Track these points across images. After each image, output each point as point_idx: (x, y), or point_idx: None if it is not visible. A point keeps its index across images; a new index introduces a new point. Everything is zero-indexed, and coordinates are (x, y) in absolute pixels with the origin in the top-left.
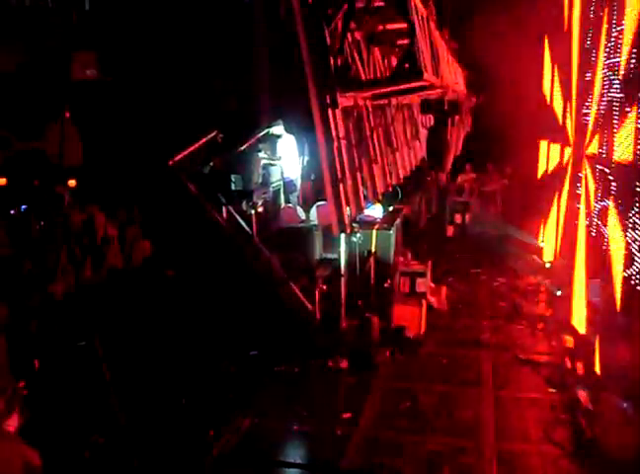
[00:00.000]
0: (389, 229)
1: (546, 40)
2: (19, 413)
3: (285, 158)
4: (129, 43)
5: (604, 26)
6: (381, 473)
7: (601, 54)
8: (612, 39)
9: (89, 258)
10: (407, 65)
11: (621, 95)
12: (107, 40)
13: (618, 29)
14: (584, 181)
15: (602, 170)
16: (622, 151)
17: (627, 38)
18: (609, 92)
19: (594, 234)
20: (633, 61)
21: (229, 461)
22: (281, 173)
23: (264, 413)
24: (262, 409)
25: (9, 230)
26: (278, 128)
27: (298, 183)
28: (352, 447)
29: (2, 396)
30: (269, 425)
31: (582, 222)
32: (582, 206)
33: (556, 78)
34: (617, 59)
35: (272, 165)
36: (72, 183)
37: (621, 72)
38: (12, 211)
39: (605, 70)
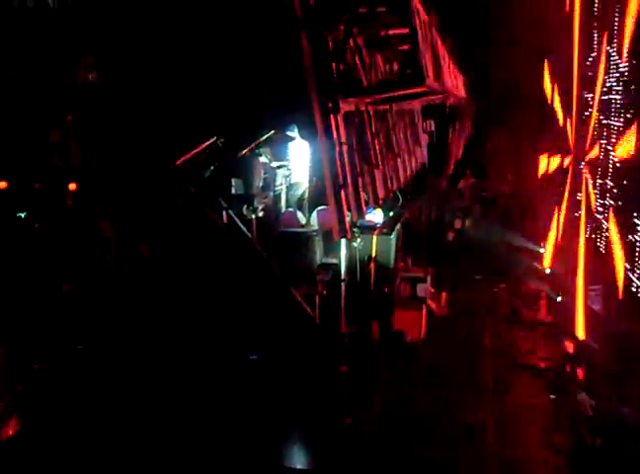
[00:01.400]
0: (390, 234)
1: (547, 58)
2: (17, 417)
3: (294, 161)
4: (131, 46)
5: (606, 31)
6: None
7: (602, 59)
8: (614, 44)
9: (88, 261)
10: (409, 71)
11: (622, 100)
12: (108, 43)
13: (619, 33)
14: (584, 186)
15: (603, 175)
16: (623, 155)
17: (627, 39)
18: (610, 96)
19: (594, 240)
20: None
21: (230, 466)
22: (286, 177)
23: (264, 418)
24: (261, 414)
25: (11, 234)
26: (291, 132)
27: (304, 186)
28: (353, 452)
29: (1, 401)
30: (269, 430)
31: (582, 228)
32: (582, 212)
33: (555, 86)
34: (618, 62)
35: (276, 169)
36: (72, 186)
37: (622, 77)
38: (17, 214)
39: (606, 76)
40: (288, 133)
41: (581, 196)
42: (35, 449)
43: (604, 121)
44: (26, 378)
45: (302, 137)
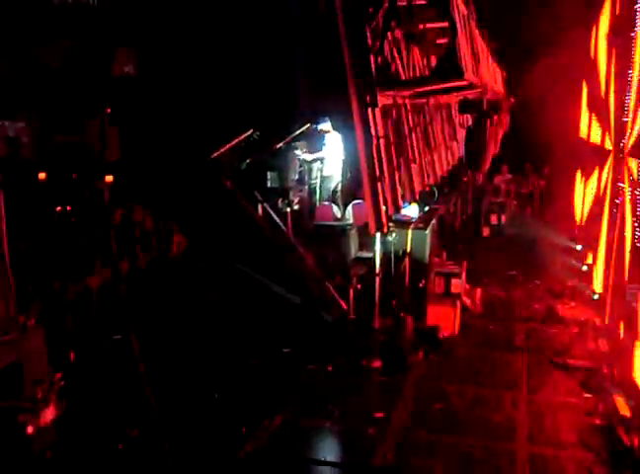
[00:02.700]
0: (425, 229)
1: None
2: (56, 403)
3: (329, 154)
4: (169, 40)
5: None
6: (412, 473)
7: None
8: None
9: (125, 252)
10: (447, 64)
11: None
12: (146, 36)
13: None
14: (627, 181)
15: None
16: None
17: None
18: None
19: (634, 236)
20: None
21: (261, 458)
22: (321, 170)
23: (296, 411)
24: (294, 407)
25: (49, 225)
26: (325, 125)
27: (338, 179)
28: (383, 447)
29: (40, 387)
30: (301, 423)
31: (628, 225)
32: (627, 208)
33: (601, 73)
34: None
35: (311, 162)
36: (109, 178)
37: None
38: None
39: None
40: (321, 127)
41: (623, 187)
42: (71, 436)
43: None
44: (64, 366)
45: (336, 130)
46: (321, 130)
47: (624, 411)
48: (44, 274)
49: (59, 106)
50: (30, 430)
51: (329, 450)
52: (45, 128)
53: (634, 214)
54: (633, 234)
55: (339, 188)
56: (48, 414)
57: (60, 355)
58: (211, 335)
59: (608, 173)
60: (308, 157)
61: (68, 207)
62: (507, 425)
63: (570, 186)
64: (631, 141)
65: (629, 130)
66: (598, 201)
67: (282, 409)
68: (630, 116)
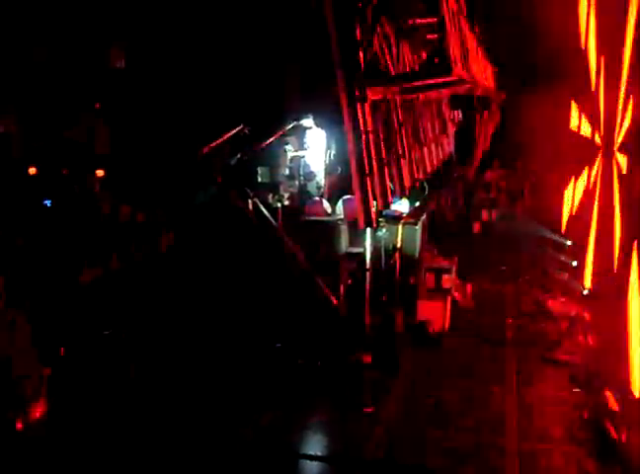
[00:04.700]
0: (415, 224)
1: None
2: (45, 398)
3: (312, 150)
4: (160, 35)
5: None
6: (403, 467)
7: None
8: None
9: (116, 246)
10: (437, 60)
11: None
12: (137, 32)
13: None
14: (616, 176)
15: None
16: None
17: None
18: None
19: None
20: None
21: (251, 453)
22: (306, 164)
23: (286, 405)
24: (284, 401)
25: (40, 220)
26: (307, 121)
27: (321, 175)
28: (374, 441)
29: (29, 382)
30: (291, 417)
31: (616, 220)
32: (615, 201)
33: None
34: None
35: (300, 157)
36: (100, 172)
37: None
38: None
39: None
40: (303, 123)
41: (612, 185)
42: (60, 432)
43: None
44: (53, 362)
45: (319, 126)
46: (303, 127)
47: (613, 405)
48: (35, 268)
49: (49, 101)
50: (19, 425)
51: (319, 445)
52: (35, 124)
53: (622, 209)
54: (622, 228)
55: (322, 183)
56: (38, 410)
57: (50, 350)
58: (202, 330)
59: (598, 168)
60: (299, 153)
61: (58, 202)
62: (496, 419)
63: (560, 181)
64: (620, 137)
65: (618, 126)
66: (587, 196)
67: (273, 403)
68: (619, 112)
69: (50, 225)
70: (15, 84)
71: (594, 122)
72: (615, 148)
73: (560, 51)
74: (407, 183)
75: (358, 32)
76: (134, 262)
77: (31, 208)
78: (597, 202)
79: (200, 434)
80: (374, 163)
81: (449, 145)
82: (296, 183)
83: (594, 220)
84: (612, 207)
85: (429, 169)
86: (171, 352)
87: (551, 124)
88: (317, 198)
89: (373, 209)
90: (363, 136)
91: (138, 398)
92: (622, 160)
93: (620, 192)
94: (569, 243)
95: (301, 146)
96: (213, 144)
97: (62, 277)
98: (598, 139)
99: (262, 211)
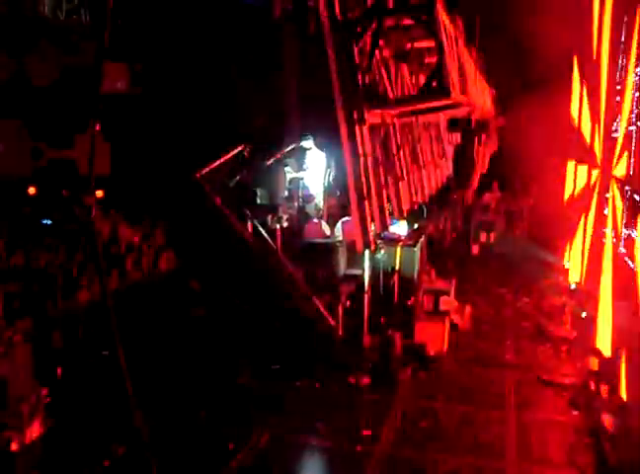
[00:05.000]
0: (414, 247)
1: (575, 63)
2: (42, 419)
3: (311, 171)
4: (160, 57)
5: (634, 47)
6: None
7: (631, 76)
8: None
9: (114, 268)
10: (435, 83)
11: None
12: (138, 53)
13: None
14: (611, 202)
15: (631, 190)
16: None
17: None
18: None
19: (621, 255)
20: None
21: None
22: (305, 185)
23: (284, 428)
24: (282, 424)
25: (38, 240)
26: (307, 142)
27: (320, 196)
28: (371, 465)
29: (26, 403)
30: (288, 440)
31: (608, 243)
32: (609, 228)
33: (585, 99)
34: None
35: (299, 179)
36: (99, 193)
37: None
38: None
39: (635, 91)
40: (303, 144)
41: (608, 209)
42: (56, 453)
43: (634, 136)
44: (50, 382)
45: (319, 148)
46: (303, 148)
47: (611, 429)
48: (33, 289)
49: (49, 122)
50: (14, 446)
51: (316, 468)
52: (36, 144)
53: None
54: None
55: (321, 205)
56: (34, 430)
57: (48, 370)
58: (200, 351)
59: (595, 191)
60: (293, 174)
61: (57, 222)
62: (495, 442)
63: (558, 204)
64: (620, 166)
65: (617, 152)
66: (584, 217)
67: (270, 426)
68: (620, 138)
69: (49, 244)
70: (17, 104)
71: (592, 145)
72: (613, 174)
73: (560, 71)
74: (405, 205)
75: (356, 56)
76: (133, 282)
77: (30, 228)
78: (590, 226)
79: (198, 455)
80: (373, 186)
81: (448, 168)
82: (295, 204)
83: (587, 244)
84: (604, 232)
85: (427, 191)
86: (169, 370)
87: (549, 148)
88: (316, 220)
89: (372, 232)
90: (362, 159)
91: (135, 418)
92: (616, 187)
93: (613, 214)
94: (567, 265)
95: (301, 168)
96: (213, 165)
97: (62, 297)
98: (596, 164)
99: (261, 233)
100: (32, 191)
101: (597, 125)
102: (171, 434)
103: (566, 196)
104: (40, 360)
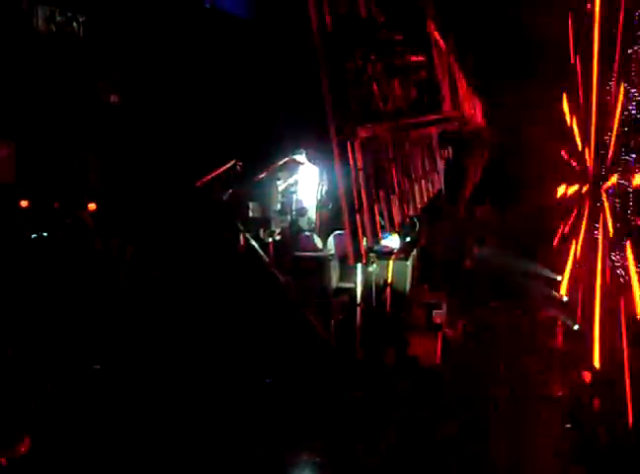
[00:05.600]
0: (406, 260)
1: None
2: (30, 435)
3: (303, 185)
4: (153, 70)
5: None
6: None
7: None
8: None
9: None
10: (426, 98)
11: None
12: (130, 66)
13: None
14: (602, 214)
15: (621, 204)
16: None
17: None
18: (630, 119)
19: (612, 268)
20: None
21: None
22: (298, 199)
23: (277, 441)
24: (275, 437)
25: (30, 253)
26: (300, 156)
27: (312, 210)
28: None
29: (14, 416)
30: (282, 453)
31: (599, 256)
32: (600, 240)
33: (574, 116)
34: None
35: (292, 192)
36: (92, 206)
37: None
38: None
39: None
40: (296, 158)
41: (598, 224)
42: (45, 468)
43: (623, 150)
44: (39, 397)
45: (311, 162)
46: (295, 161)
47: (605, 441)
48: (23, 301)
49: (42, 135)
50: (3, 461)
51: None
52: (28, 157)
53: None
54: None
55: (314, 218)
56: (22, 445)
57: (36, 385)
58: (193, 365)
59: (585, 207)
60: (283, 185)
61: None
62: (489, 456)
63: (550, 218)
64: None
65: (608, 168)
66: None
67: (263, 439)
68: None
69: (41, 258)
70: (9, 118)
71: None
72: (604, 188)
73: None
74: (397, 219)
75: (348, 71)
76: (124, 295)
77: (21, 241)
78: (581, 239)
79: (191, 471)
80: (364, 199)
81: (439, 181)
82: (288, 218)
83: (578, 256)
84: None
85: (419, 205)
86: (159, 386)
87: (541, 161)
88: (308, 234)
89: (364, 245)
90: (353, 173)
91: (126, 434)
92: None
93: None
94: (559, 278)
95: (293, 181)
96: (205, 179)
97: (48, 310)
98: (585, 179)
99: (253, 246)
100: (24, 204)
101: (587, 134)
102: (162, 447)
103: (558, 209)
104: (28, 375)
